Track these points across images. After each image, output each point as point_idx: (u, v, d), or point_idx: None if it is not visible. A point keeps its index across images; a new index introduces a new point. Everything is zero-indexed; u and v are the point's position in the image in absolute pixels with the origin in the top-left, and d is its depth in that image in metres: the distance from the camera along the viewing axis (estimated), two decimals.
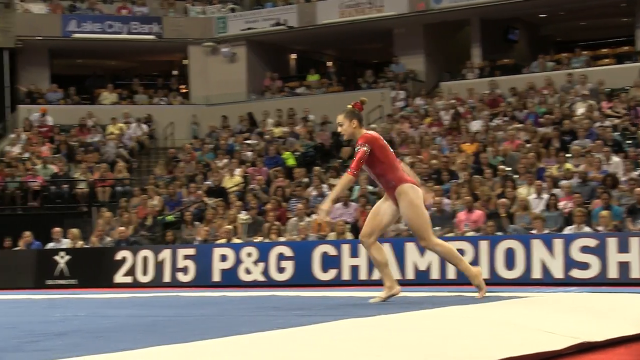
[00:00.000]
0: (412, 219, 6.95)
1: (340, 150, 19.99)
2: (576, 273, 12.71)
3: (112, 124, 24.51)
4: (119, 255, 15.87)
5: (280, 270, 14.59)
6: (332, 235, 15.00)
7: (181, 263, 15.36)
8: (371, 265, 13.02)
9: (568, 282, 12.51)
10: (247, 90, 26.66)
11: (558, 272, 12.84)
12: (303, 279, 14.14)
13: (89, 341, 4.33)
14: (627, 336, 4.57)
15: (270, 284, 14.19)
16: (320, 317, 5.18)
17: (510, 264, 13.13)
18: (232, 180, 19.58)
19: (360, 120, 7.10)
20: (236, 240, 15.78)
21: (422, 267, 13.44)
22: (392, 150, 7.15)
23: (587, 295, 8.07)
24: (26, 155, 22.71)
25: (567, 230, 13.78)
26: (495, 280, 12.77)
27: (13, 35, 25.95)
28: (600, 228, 13.55)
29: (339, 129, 7.16)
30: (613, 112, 18.80)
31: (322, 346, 3.73)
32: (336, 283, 13.79)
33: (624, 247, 12.56)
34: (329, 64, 28.79)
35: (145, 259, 15.61)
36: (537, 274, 12.95)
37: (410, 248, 13.49)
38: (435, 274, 13.35)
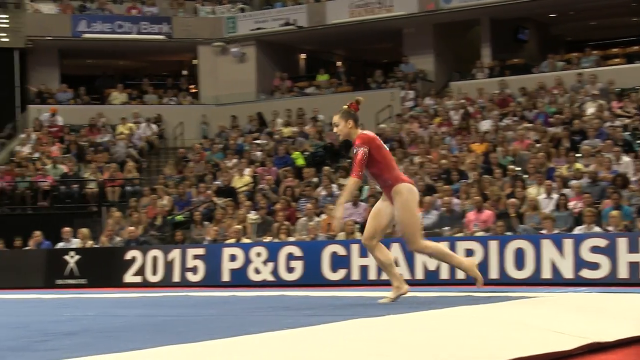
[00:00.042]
0: (403, 221, 6.89)
1: (349, 150, 19.95)
2: (586, 273, 12.66)
3: (122, 124, 24.57)
4: (128, 255, 15.90)
5: (290, 270, 14.58)
6: (341, 235, 14.99)
7: (190, 263, 15.37)
8: None
9: (578, 282, 12.45)
10: (257, 90, 26.69)
11: (568, 272, 12.78)
12: (312, 278, 14.12)
13: (99, 340, 4.33)
14: (637, 337, 4.55)
15: (280, 283, 14.17)
16: (330, 317, 5.17)
17: (519, 264, 13.07)
18: (241, 180, 19.58)
19: (356, 120, 7.04)
20: (245, 240, 15.78)
21: (432, 267, 13.39)
22: (388, 149, 7.13)
23: (597, 295, 8.04)
24: (36, 155, 22.79)
25: (577, 230, 13.73)
26: (504, 281, 12.76)
27: (23, 35, 26.05)
28: (610, 228, 13.49)
29: (335, 129, 7.10)
30: (623, 111, 18.75)
31: (331, 346, 3.72)
32: (345, 283, 13.77)
33: (634, 247, 12.49)
34: (339, 63, 28.77)
35: (154, 258, 15.63)
36: (546, 274, 12.88)
37: None
38: (444, 274, 13.29)
